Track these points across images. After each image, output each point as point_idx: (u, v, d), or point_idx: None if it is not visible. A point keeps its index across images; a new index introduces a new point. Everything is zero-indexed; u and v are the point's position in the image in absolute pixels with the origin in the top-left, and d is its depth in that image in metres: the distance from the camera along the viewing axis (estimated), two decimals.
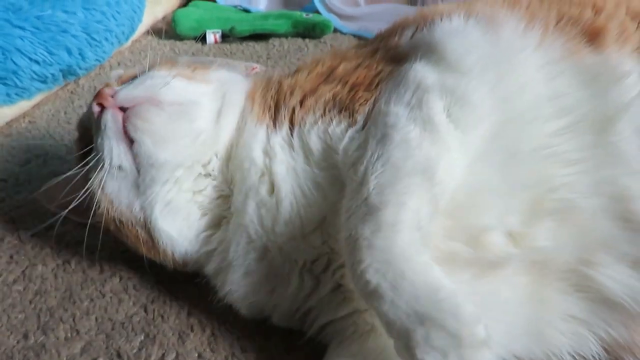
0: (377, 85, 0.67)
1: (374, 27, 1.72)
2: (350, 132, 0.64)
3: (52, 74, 1.25)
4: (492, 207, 0.60)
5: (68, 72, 1.31)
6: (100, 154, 0.67)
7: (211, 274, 0.72)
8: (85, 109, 1.30)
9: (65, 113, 1.30)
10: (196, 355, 0.70)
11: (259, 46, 1.64)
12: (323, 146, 0.65)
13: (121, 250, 0.82)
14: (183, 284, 0.79)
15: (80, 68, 1.33)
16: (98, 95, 0.68)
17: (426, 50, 0.66)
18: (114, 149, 0.66)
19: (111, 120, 0.66)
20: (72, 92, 1.39)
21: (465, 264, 0.61)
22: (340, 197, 0.62)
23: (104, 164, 0.67)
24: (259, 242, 0.67)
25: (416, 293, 0.50)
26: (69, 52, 1.26)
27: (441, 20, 0.69)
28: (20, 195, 1.01)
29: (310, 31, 1.66)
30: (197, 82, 0.72)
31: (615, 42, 0.64)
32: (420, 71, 0.64)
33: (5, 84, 1.16)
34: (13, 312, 0.77)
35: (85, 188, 0.69)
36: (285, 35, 1.68)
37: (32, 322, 0.76)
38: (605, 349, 0.62)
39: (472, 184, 0.60)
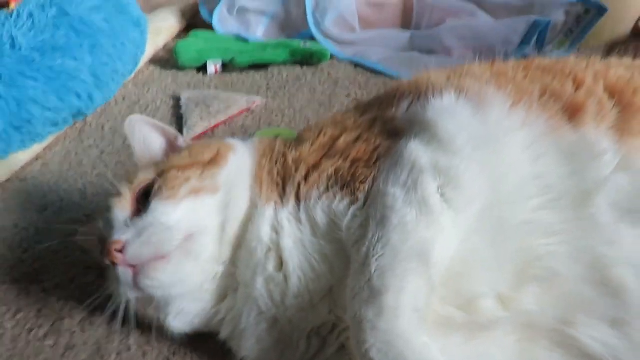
0: (376, 161, 0.72)
1: (369, 52, 1.78)
2: (352, 209, 0.70)
3: (64, 118, 1.31)
4: (483, 276, 0.67)
5: (78, 114, 1.37)
6: (116, 290, 0.75)
7: (225, 339, 0.79)
8: (94, 150, 1.37)
9: (76, 154, 1.35)
10: None
11: (258, 75, 1.69)
12: (328, 220, 0.71)
13: None
14: (201, 336, 0.85)
15: (88, 109, 1.39)
16: (108, 253, 0.71)
17: (420, 128, 0.72)
18: (128, 292, 0.74)
19: (122, 274, 0.72)
20: (80, 131, 1.44)
21: (459, 327, 0.67)
22: (346, 268, 0.68)
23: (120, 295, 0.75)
24: (269, 314, 0.74)
25: None
26: (79, 96, 1.31)
27: (433, 96, 0.75)
28: (42, 245, 1.07)
29: (308, 59, 1.71)
30: (205, 194, 0.76)
31: (594, 120, 0.70)
32: (415, 151, 0.69)
33: (20, 132, 1.22)
34: None
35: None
36: (284, 63, 1.73)
37: None
38: None
39: (465, 256, 0.66)
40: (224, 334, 0.79)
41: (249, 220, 0.76)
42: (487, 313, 0.66)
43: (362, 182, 0.71)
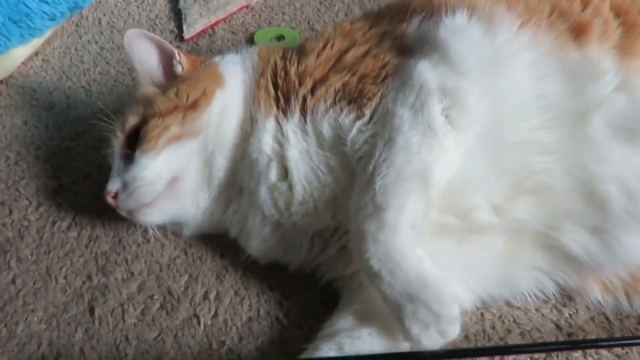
0: (384, 78, 0.74)
1: None
2: (358, 124, 0.73)
3: (61, 12, 1.28)
4: (480, 190, 0.72)
5: (74, 7, 1.33)
6: None
7: (234, 238, 0.87)
8: (93, 45, 1.36)
9: (75, 49, 1.35)
10: (233, 292, 0.86)
11: None
12: (334, 133, 0.75)
13: None
14: None
15: (84, 2, 1.35)
16: (105, 200, 0.83)
17: (430, 48, 0.73)
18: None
19: (121, 213, 0.85)
20: (77, 25, 1.42)
21: (453, 232, 0.74)
22: (350, 179, 0.74)
23: None
24: (272, 218, 0.80)
25: (408, 279, 0.65)
26: None
27: (446, 15, 0.75)
28: (54, 143, 1.11)
29: None
30: (186, 140, 0.81)
31: (598, 39, 0.72)
32: (424, 72, 0.71)
33: (19, 27, 1.20)
34: (74, 256, 0.92)
35: None
36: None
37: (92, 265, 0.90)
38: (560, 291, 0.79)
39: (465, 172, 0.71)
40: (232, 233, 0.87)
41: (249, 135, 0.80)
42: (481, 221, 0.73)
43: (369, 99, 0.73)
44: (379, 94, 0.73)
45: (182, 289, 0.87)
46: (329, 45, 0.80)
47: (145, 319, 0.83)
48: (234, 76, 0.86)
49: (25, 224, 0.97)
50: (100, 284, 0.88)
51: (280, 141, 0.78)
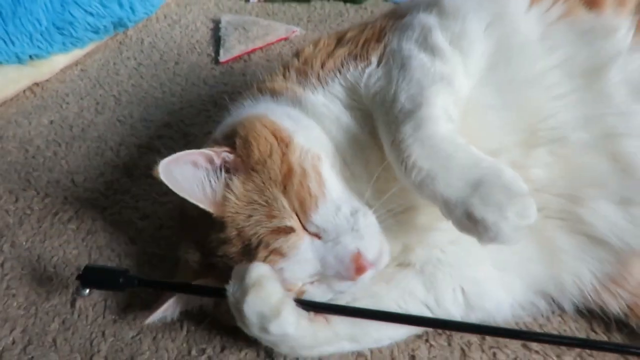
0: (385, 35, 0.73)
1: None
2: (367, 70, 0.71)
3: (104, 26, 1.33)
4: (494, 127, 0.67)
5: (118, 24, 1.39)
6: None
7: None
8: (132, 61, 1.39)
9: (114, 64, 1.38)
10: None
11: (300, 8, 1.67)
12: (346, 91, 0.72)
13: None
14: None
15: (129, 21, 1.40)
16: (361, 270, 0.65)
17: (426, 4, 0.73)
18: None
19: (369, 276, 0.68)
20: (120, 43, 1.47)
21: None
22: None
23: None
24: None
25: (463, 165, 0.58)
26: (121, 5, 1.33)
27: None
28: (76, 142, 1.11)
29: None
30: (321, 165, 0.69)
31: (612, 6, 0.68)
32: (423, 17, 0.71)
33: (62, 34, 1.25)
34: (68, 247, 0.88)
35: None
36: None
37: (84, 258, 0.86)
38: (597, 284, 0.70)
39: (477, 105, 0.67)
40: None
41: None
42: None
43: (373, 49, 0.72)
44: (382, 44, 0.72)
45: None
46: (322, 40, 0.81)
47: (126, 317, 0.77)
48: (276, 111, 0.74)
49: (28, 212, 0.95)
50: None
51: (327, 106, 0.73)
